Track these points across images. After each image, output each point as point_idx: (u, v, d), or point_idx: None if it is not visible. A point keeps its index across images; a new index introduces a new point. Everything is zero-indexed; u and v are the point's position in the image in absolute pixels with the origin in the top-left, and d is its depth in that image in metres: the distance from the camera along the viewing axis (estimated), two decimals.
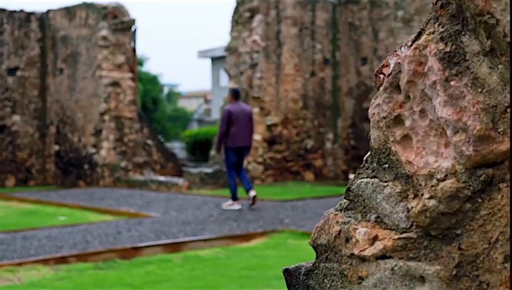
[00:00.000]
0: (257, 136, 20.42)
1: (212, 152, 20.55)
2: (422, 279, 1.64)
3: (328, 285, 1.75)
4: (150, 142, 21.79)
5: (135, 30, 21.61)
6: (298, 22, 21.20)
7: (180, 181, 18.93)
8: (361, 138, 21.01)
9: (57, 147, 22.76)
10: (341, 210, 1.77)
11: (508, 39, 1.47)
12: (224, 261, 9.27)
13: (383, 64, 1.79)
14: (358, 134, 21.13)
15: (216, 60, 45.48)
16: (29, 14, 22.78)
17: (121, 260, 9.29)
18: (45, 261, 9.02)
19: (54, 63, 22.74)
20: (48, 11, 22.96)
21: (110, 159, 20.78)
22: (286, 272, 1.87)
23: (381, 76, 1.78)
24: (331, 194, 16.89)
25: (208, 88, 53.78)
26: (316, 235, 1.79)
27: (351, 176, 20.17)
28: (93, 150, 21.33)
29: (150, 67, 59.52)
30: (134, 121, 21.34)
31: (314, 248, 1.78)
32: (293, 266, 1.86)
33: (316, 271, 1.78)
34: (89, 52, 21.47)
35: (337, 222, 1.76)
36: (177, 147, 34.97)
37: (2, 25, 22.15)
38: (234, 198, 14.20)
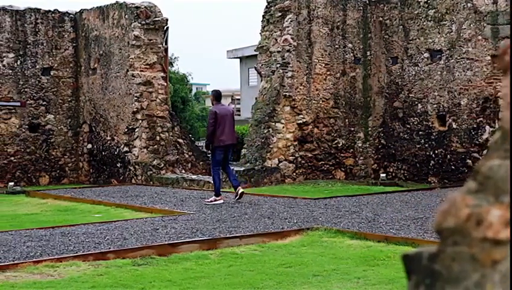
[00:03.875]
0: (288, 135, 20.52)
1: (244, 151, 20.65)
2: None
3: (457, 269, 1.69)
4: (181, 140, 21.94)
5: (167, 29, 21.77)
6: (329, 21, 21.26)
7: (212, 179, 19.02)
8: (391, 136, 21.02)
9: (89, 146, 23.01)
10: (470, 193, 1.70)
11: None
12: (261, 258, 9.37)
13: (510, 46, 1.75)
14: (388, 133, 21.14)
15: (245, 60, 45.59)
16: (63, 14, 23.04)
17: (158, 257, 9.42)
18: (85, 257, 9.17)
19: (87, 63, 22.98)
20: (81, 11, 23.20)
21: (142, 157, 20.96)
22: (406, 257, 1.81)
23: (506, 57, 1.74)
24: (362, 193, 16.94)
25: (237, 88, 53.91)
26: (441, 219, 1.72)
27: (383, 175, 20.24)
28: (125, 149, 21.53)
29: (179, 67, 59.71)
30: (166, 120, 21.50)
31: (439, 232, 1.72)
32: (412, 251, 1.80)
33: (442, 255, 1.72)
34: (122, 51, 21.68)
35: (466, 205, 1.69)
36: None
37: (37, 25, 22.43)
38: (217, 194, 15.03)
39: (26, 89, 22.25)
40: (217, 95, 15.39)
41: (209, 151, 15.74)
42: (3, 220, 13.65)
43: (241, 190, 15.18)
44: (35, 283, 7.99)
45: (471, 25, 18.84)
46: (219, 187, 15.13)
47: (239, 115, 50.61)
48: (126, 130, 21.51)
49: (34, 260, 8.97)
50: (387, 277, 8.08)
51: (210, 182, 18.74)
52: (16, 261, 8.90)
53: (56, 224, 12.35)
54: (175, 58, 54.84)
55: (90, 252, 9.43)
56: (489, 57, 18.39)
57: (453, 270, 1.66)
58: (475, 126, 18.80)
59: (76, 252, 9.48)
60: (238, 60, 47.01)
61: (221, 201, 14.95)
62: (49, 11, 22.81)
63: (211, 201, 14.96)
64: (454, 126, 19.30)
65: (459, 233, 1.67)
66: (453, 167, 19.32)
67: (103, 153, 22.55)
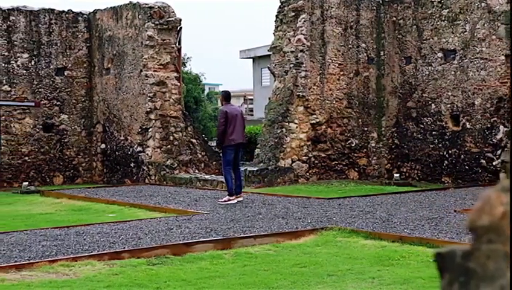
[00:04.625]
0: (301, 135, 20.52)
1: (257, 150, 20.66)
2: None
3: (492, 267, 1.67)
4: (194, 140, 21.97)
5: (180, 29, 21.81)
6: (343, 21, 21.24)
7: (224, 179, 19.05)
8: (405, 136, 20.99)
9: (103, 146, 23.07)
10: (504, 191, 1.69)
11: None
12: (275, 258, 9.37)
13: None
14: (402, 133, 21.10)
15: (258, 60, 45.59)
16: (77, 15, 23.12)
17: (173, 256, 9.44)
18: (100, 257, 9.20)
19: (100, 63, 23.05)
20: (95, 11, 23.27)
21: (155, 157, 21.01)
22: (438, 255, 1.78)
23: None
24: (376, 193, 16.92)
25: (250, 88, 53.91)
26: (475, 217, 1.71)
27: (397, 175, 20.21)
28: (139, 149, 21.58)
29: (191, 67, 59.79)
30: (180, 120, 21.54)
31: (473, 230, 1.71)
32: (445, 249, 1.78)
33: (476, 253, 1.71)
34: (135, 51, 21.73)
35: (501, 203, 1.68)
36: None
37: (51, 25, 22.52)
38: (231, 193, 15.08)
39: (40, 89, 22.34)
40: (226, 96, 15.60)
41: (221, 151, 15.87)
42: (18, 219, 13.72)
43: (240, 199, 15.18)
44: (51, 282, 8.02)
45: (485, 25, 18.79)
46: (232, 187, 15.17)
47: (252, 115, 50.62)
48: (139, 130, 21.56)
49: (50, 259, 9.01)
50: (402, 277, 8.08)
51: (223, 182, 18.77)
52: (31, 261, 8.94)
53: (71, 224, 12.40)
54: (188, 58, 54.93)
55: (105, 252, 9.46)
56: (503, 57, 18.33)
57: (488, 268, 1.65)
58: (489, 126, 18.74)
59: (92, 252, 9.51)
60: (251, 60, 47.01)
61: (235, 201, 15.00)
62: (63, 11, 22.89)
63: (225, 201, 15.02)
64: (468, 126, 19.25)
65: (494, 231, 1.66)
66: (466, 167, 19.27)
67: (117, 153, 22.61)
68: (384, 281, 7.95)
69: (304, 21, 20.58)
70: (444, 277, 1.75)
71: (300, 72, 20.49)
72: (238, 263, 9.10)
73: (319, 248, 9.99)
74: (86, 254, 9.32)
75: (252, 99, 53.04)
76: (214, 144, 33.76)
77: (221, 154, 15.98)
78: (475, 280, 1.67)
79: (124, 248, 9.80)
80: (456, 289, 1.71)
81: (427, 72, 20.31)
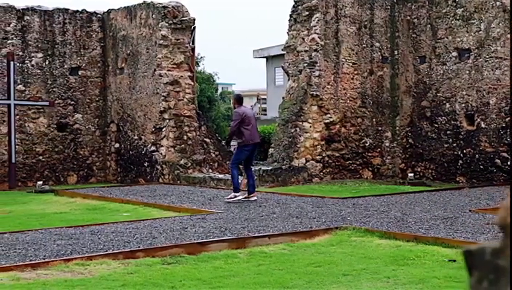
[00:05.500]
0: (315, 134, 20.49)
1: (271, 150, 20.65)
2: None
3: None
4: (207, 140, 21.99)
5: (194, 29, 21.82)
6: (357, 20, 21.20)
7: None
8: (419, 136, 20.92)
9: (117, 145, 23.12)
10: None
11: None
12: (290, 257, 9.36)
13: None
14: (416, 132, 21.04)
15: (271, 59, 45.57)
16: (91, 14, 23.18)
17: (187, 255, 9.44)
18: (114, 256, 9.21)
19: (114, 63, 23.10)
20: (109, 11, 23.32)
21: (169, 156, 21.03)
22: (468, 253, 1.77)
23: None
24: (390, 192, 16.88)
25: (263, 87, 53.90)
26: (505, 214, 1.69)
27: (411, 174, 20.15)
28: (153, 148, 21.61)
29: (205, 66, 59.88)
30: (193, 119, 21.56)
31: (503, 228, 1.69)
32: (474, 246, 1.76)
33: (506, 250, 1.68)
34: (149, 51, 21.76)
35: None
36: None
37: (65, 25, 22.58)
38: (237, 190, 15.24)
39: (54, 89, 22.41)
40: (238, 98, 15.84)
41: (228, 147, 16.10)
42: (33, 218, 13.76)
43: (254, 198, 15.25)
44: (66, 281, 8.04)
45: (500, 24, 18.70)
46: (238, 183, 15.34)
47: (265, 114, 50.61)
48: (153, 129, 21.59)
49: (65, 258, 9.03)
50: (418, 277, 8.05)
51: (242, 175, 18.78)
52: (46, 259, 8.96)
53: (85, 223, 12.42)
54: (201, 57, 54.93)
55: (120, 251, 9.47)
56: None
57: None
58: (504, 125, 18.66)
59: (106, 251, 9.52)
60: (265, 59, 47.00)
61: (241, 196, 15.11)
62: (77, 11, 22.96)
63: (231, 197, 15.12)
64: (482, 125, 19.17)
65: None
66: (481, 167, 19.19)
67: (130, 152, 22.65)
68: (400, 280, 7.92)
69: (318, 20, 20.55)
70: (473, 275, 1.73)
71: (314, 72, 20.46)
72: (253, 263, 9.09)
73: (333, 248, 9.97)
74: (101, 253, 9.33)
75: (265, 98, 53.04)
76: None
77: (234, 152, 16.04)
78: (505, 278, 1.64)
79: (139, 247, 9.81)
80: (486, 286, 1.70)
81: (442, 72, 20.24)
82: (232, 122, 15.48)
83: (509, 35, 18.45)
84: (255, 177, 16.23)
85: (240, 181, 15.73)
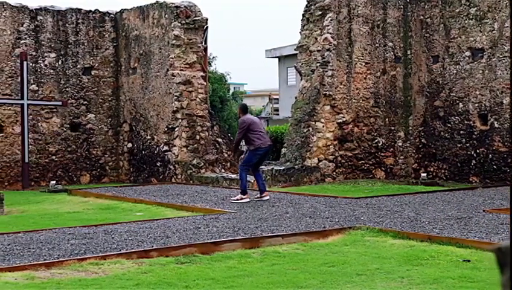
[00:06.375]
0: (328, 134, 20.46)
1: (283, 150, 20.64)
2: None
3: None
4: (220, 140, 22.00)
5: (206, 29, 21.84)
6: (369, 19, 21.17)
7: (252, 179, 19.05)
8: (432, 136, 20.87)
9: (130, 145, 23.16)
10: None
11: None
12: (303, 257, 9.34)
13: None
14: (429, 132, 20.98)
15: (283, 59, 45.58)
16: (104, 14, 23.24)
17: (201, 255, 9.43)
18: (128, 255, 9.21)
19: (127, 62, 23.14)
20: (122, 10, 23.36)
21: (182, 156, 21.05)
22: (499, 250, 1.75)
23: None
24: (403, 192, 16.85)
25: (275, 87, 53.88)
26: None
27: (424, 174, 20.09)
28: (165, 148, 21.63)
29: (217, 66, 59.89)
30: (206, 119, 21.58)
31: None
32: (505, 244, 1.74)
33: None
34: (162, 51, 21.79)
35: None
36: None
37: (78, 25, 22.64)
38: (244, 192, 15.26)
39: (67, 89, 22.47)
40: (243, 108, 15.99)
41: (234, 158, 16.05)
42: (47, 218, 13.79)
43: (266, 197, 15.33)
44: (80, 280, 8.05)
45: None
46: (245, 185, 15.38)
47: (277, 114, 50.58)
48: (166, 129, 21.61)
49: (79, 257, 9.04)
50: (432, 277, 8.02)
51: (250, 181, 18.77)
52: (60, 259, 8.97)
53: (98, 222, 12.44)
54: (213, 57, 54.97)
55: (133, 250, 9.47)
56: None
57: None
58: None
59: (120, 250, 9.52)
60: (277, 59, 47.01)
61: (248, 199, 15.14)
62: (90, 11, 23.01)
63: (237, 199, 15.17)
64: (496, 125, 19.10)
65: None
66: (495, 167, 19.13)
67: (143, 152, 22.69)
68: (414, 280, 7.89)
69: (331, 20, 20.52)
70: (505, 273, 1.72)
71: (327, 71, 20.44)
72: (266, 262, 9.08)
73: (347, 247, 9.95)
74: (115, 253, 9.34)
75: (277, 98, 53.06)
76: None
77: (246, 154, 16.04)
78: None
79: (152, 246, 9.81)
80: None
81: (455, 71, 20.18)
82: (238, 130, 15.61)
83: None
84: (264, 177, 16.26)
85: (248, 185, 15.78)
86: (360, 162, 21.17)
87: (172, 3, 21.61)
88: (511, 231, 1.48)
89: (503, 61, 18.84)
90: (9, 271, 8.35)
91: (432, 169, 20.86)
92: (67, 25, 22.49)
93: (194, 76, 21.52)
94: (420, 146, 21.27)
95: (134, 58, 22.86)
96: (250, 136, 15.25)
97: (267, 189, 16.06)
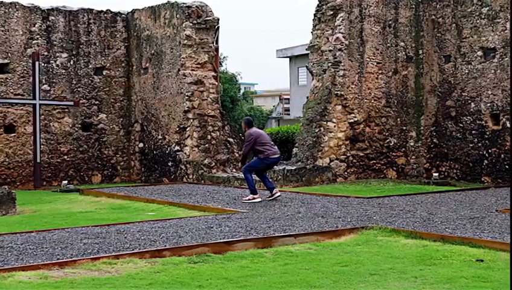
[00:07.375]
0: (340, 134, 20.45)
1: (295, 149, 20.63)
2: None
3: None
4: (231, 139, 22.00)
5: (218, 29, 21.85)
6: (381, 19, 21.14)
7: (256, 178, 19.02)
8: (444, 135, 20.82)
9: (141, 145, 23.19)
10: None
11: None
12: (316, 257, 9.34)
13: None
14: (441, 132, 20.94)
15: (294, 59, 45.57)
16: (115, 14, 23.29)
17: (214, 255, 9.44)
18: (141, 255, 9.23)
19: (138, 62, 23.18)
20: (133, 11, 23.40)
21: (193, 156, 21.06)
22: None
23: None
24: (415, 192, 16.82)
25: (286, 87, 53.86)
26: None
27: (435, 174, 20.05)
28: (177, 148, 21.65)
29: (227, 66, 59.90)
30: (217, 119, 21.58)
31: None
32: None
33: None
34: (173, 51, 21.81)
35: None
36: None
37: (89, 25, 22.70)
38: (254, 191, 15.27)
39: (79, 89, 22.53)
40: (248, 122, 15.95)
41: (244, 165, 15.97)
42: (59, 218, 13.83)
43: (278, 193, 15.36)
44: (94, 280, 8.06)
45: None
46: (253, 184, 15.38)
47: (288, 114, 50.56)
48: (177, 129, 21.63)
49: (92, 257, 9.06)
50: (445, 277, 8.00)
51: (256, 179, 18.76)
52: (73, 258, 8.99)
53: (111, 222, 12.46)
54: (224, 57, 55.02)
55: (146, 250, 9.48)
56: None
57: None
58: None
59: (133, 250, 9.54)
60: (288, 59, 47.00)
61: (259, 199, 15.12)
62: (102, 11, 23.06)
63: (249, 199, 15.16)
64: (508, 125, 19.05)
65: None
66: (507, 167, 19.07)
67: (154, 152, 22.71)
68: (427, 280, 7.88)
69: (342, 20, 20.51)
70: None
71: (338, 71, 20.43)
72: (279, 262, 9.08)
73: (359, 247, 9.94)
74: (128, 252, 9.35)
75: (288, 98, 53.04)
76: None
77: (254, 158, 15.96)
78: None
79: (165, 246, 9.82)
80: None
81: (467, 71, 20.13)
82: (245, 144, 15.60)
83: None
84: (270, 180, 16.25)
85: (255, 182, 15.80)
86: (372, 162, 21.15)
87: (184, 3, 21.63)
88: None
89: None
90: (23, 270, 8.37)
91: (443, 169, 20.82)
92: (79, 25, 22.54)
93: (206, 76, 21.54)
94: (432, 146, 21.23)
95: (146, 58, 22.90)
96: (259, 148, 15.29)
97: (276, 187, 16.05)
